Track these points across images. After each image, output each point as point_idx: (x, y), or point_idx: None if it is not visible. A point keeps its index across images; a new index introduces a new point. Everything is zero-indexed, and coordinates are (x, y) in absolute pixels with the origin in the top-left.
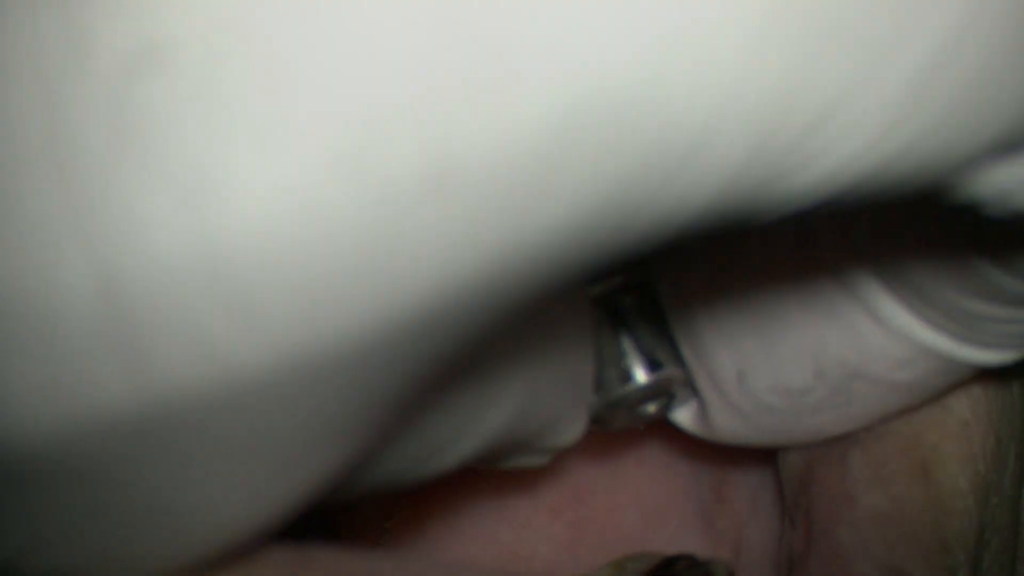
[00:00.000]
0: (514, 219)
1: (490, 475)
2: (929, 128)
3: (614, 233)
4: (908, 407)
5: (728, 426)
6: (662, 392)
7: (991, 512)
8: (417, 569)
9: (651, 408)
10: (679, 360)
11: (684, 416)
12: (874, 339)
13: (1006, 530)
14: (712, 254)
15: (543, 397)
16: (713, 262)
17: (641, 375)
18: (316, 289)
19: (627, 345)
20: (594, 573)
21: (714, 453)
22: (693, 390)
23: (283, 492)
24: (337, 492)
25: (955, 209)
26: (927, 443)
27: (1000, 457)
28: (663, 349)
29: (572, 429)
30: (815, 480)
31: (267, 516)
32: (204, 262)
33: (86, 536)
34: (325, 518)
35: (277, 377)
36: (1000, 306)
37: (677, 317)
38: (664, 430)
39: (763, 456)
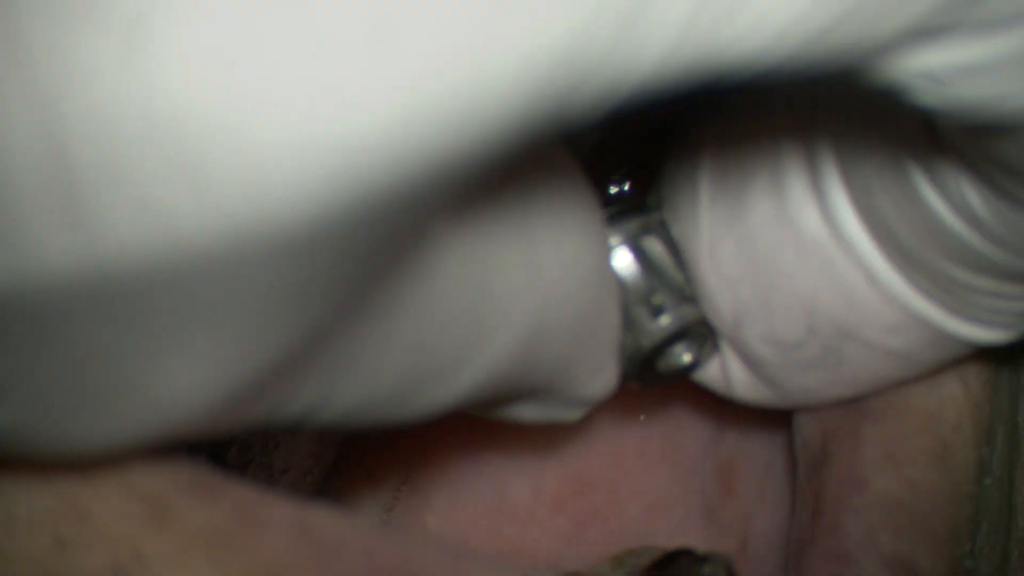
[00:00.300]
0: (469, 63)
1: (505, 437)
2: (849, 7)
3: (573, 87)
4: (899, 379)
5: (737, 379)
6: (695, 332)
7: (984, 493)
8: (411, 545)
9: (686, 356)
10: None
11: (705, 372)
12: (868, 299)
13: (996, 512)
14: (715, 192)
15: (557, 333)
16: (717, 203)
17: (671, 312)
18: (267, 154)
19: (656, 281)
20: (594, 568)
21: (717, 443)
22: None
23: (228, 376)
24: (315, 412)
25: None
26: (949, 421)
27: (992, 438)
28: (691, 288)
29: (601, 378)
30: (828, 460)
31: (211, 403)
32: (149, 118)
33: (37, 391)
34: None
35: (228, 247)
36: (984, 276)
37: (684, 259)
38: (666, 422)
39: (771, 441)
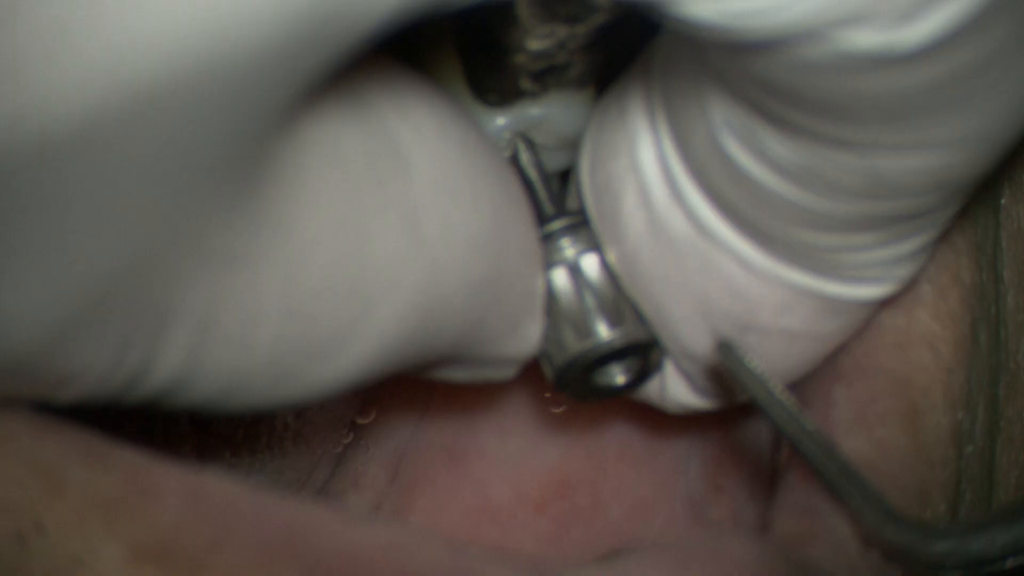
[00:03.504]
0: None
1: (489, 439)
2: None
3: None
4: (818, 358)
5: (675, 391)
6: (629, 354)
7: (966, 462)
8: (308, 508)
9: (619, 378)
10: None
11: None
12: (749, 286)
13: (978, 481)
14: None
15: (453, 301)
16: (603, 225)
17: (603, 331)
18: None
19: (591, 301)
20: (580, 569)
21: (703, 441)
22: (651, 358)
23: (79, 283)
24: (187, 382)
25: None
26: (917, 385)
27: (972, 407)
28: (625, 309)
29: (517, 337)
30: None
31: (60, 323)
32: None
33: None
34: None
35: (85, 121)
36: (824, 233)
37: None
38: (645, 422)
39: (758, 437)
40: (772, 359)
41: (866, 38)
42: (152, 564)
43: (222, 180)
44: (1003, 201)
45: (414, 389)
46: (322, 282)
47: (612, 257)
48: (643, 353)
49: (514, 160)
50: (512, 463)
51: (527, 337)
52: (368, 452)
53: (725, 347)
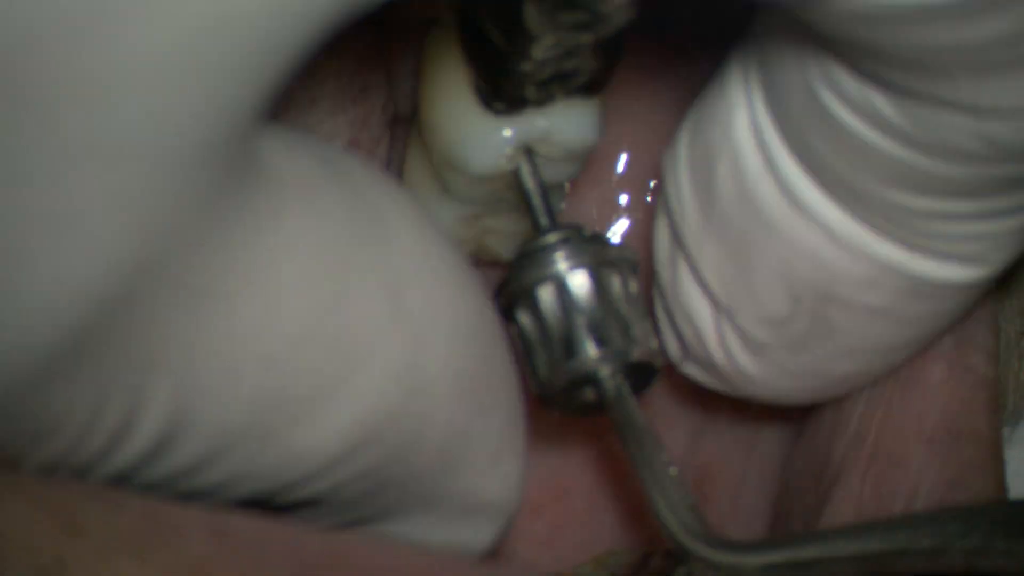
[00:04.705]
0: None
1: None
2: None
3: None
4: (900, 345)
5: (750, 375)
6: (587, 379)
7: None
8: (338, 539)
9: (588, 394)
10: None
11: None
12: (834, 257)
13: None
14: (692, 185)
15: (437, 392)
16: (695, 195)
17: (590, 349)
18: None
19: (577, 320)
20: (576, 569)
21: (695, 451)
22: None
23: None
24: (170, 444)
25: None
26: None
27: None
28: (612, 328)
29: (501, 472)
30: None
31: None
32: None
33: None
34: None
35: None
36: (922, 196)
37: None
38: None
39: (748, 453)
40: (851, 336)
41: None
42: None
43: (194, 208)
44: None
45: None
46: (301, 332)
47: (690, 229)
48: (631, 372)
49: (516, 172)
50: None
51: (507, 477)
52: None
53: None
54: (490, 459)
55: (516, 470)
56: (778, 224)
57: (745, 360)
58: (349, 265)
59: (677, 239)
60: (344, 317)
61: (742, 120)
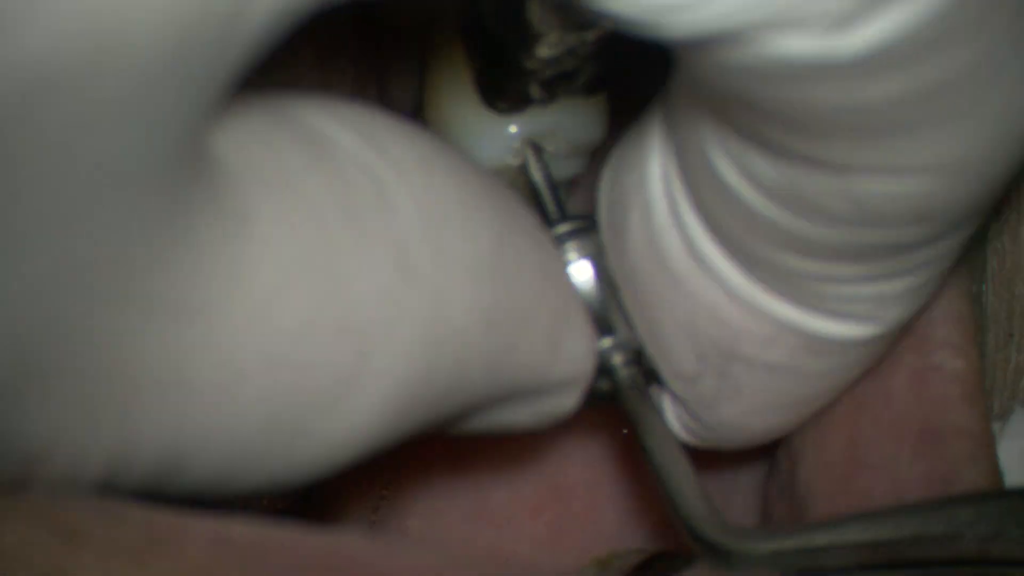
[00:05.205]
0: None
1: (486, 443)
2: None
3: None
4: (813, 398)
5: (674, 423)
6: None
7: None
8: (339, 540)
9: (602, 384)
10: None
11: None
12: (733, 315)
13: None
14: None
15: (467, 333)
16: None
17: (621, 334)
18: None
19: (612, 301)
20: (579, 571)
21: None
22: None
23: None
24: (181, 460)
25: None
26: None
27: None
28: (617, 319)
29: (563, 353)
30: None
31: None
32: None
33: None
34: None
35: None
36: (808, 259)
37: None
38: None
39: (737, 456)
40: (758, 393)
41: (799, 43)
42: None
43: (147, 218)
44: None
45: None
46: (302, 325)
47: (615, 270)
48: (634, 362)
49: (523, 168)
50: (509, 467)
51: (573, 355)
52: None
53: None
54: (549, 348)
55: (581, 342)
56: (682, 278)
57: (671, 413)
58: (344, 245)
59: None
60: (347, 299)
61: (655, 168)
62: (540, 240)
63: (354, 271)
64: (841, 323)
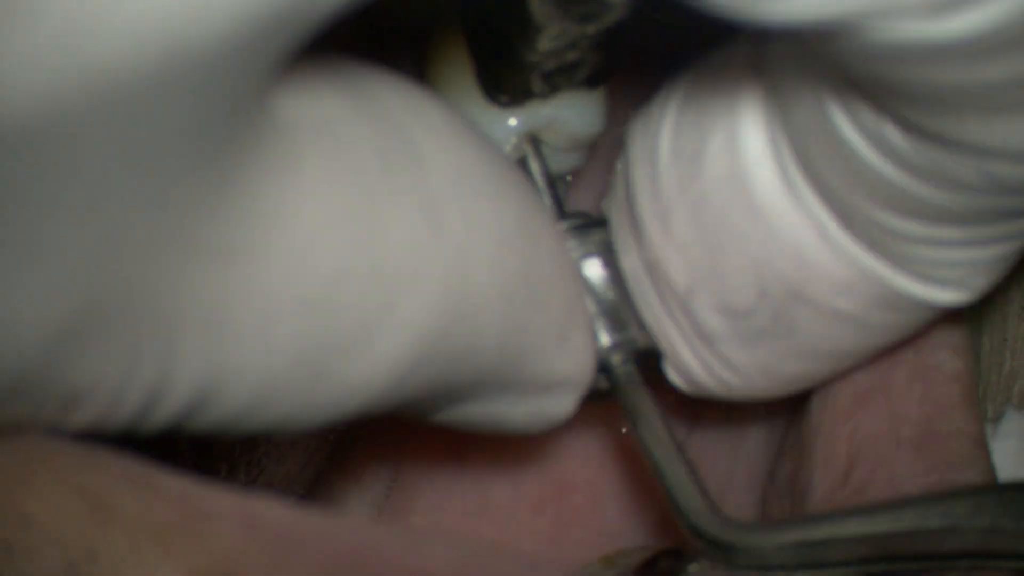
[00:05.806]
0: None
1: (489, 439)
2: None
3: None
4: (855, 351)
5: (692, 369)
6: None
7: None
8: (367, 530)
9: (600, 381)
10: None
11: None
12: (819, 256)
13: None
14: (673, 154)
15: (487, 300)
16: (674, 165)
17: (603, 337)
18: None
19: (591, 306)
20: (585, 568)
21: (698, 444)
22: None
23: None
24: (212, 395)
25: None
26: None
27: None
28: (627, 315)
29: (569, 348)
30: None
31: (59, 326)
32: None
33: None
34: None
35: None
36: (913, 220)
37: (628, 228)
38: None
39: (734, 454)
40: (809, 337)
41: (903, 28)
42: None
43: (200, 169)
44: None
45: None
46: (337, 270)
47: (664, 195)
48: (642, 360)
49: (522, 163)
50: (512, 463)
51: (576, 351)
52: (369, 451)
53: None
54: (556, 341)
55: (584, 342)
56: (767, 211)
57: (687, 353)
58: (380, 196)
59: (632, 213)
60: (381, 248)
61: (748, 102)
62: (555, 231)
63: (388, 221)
64: (927, 285)
